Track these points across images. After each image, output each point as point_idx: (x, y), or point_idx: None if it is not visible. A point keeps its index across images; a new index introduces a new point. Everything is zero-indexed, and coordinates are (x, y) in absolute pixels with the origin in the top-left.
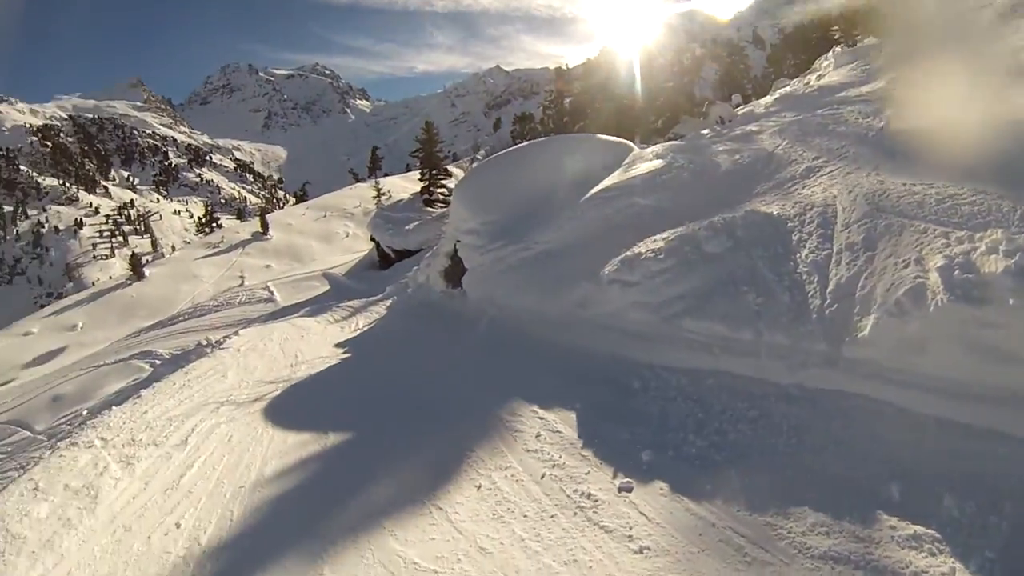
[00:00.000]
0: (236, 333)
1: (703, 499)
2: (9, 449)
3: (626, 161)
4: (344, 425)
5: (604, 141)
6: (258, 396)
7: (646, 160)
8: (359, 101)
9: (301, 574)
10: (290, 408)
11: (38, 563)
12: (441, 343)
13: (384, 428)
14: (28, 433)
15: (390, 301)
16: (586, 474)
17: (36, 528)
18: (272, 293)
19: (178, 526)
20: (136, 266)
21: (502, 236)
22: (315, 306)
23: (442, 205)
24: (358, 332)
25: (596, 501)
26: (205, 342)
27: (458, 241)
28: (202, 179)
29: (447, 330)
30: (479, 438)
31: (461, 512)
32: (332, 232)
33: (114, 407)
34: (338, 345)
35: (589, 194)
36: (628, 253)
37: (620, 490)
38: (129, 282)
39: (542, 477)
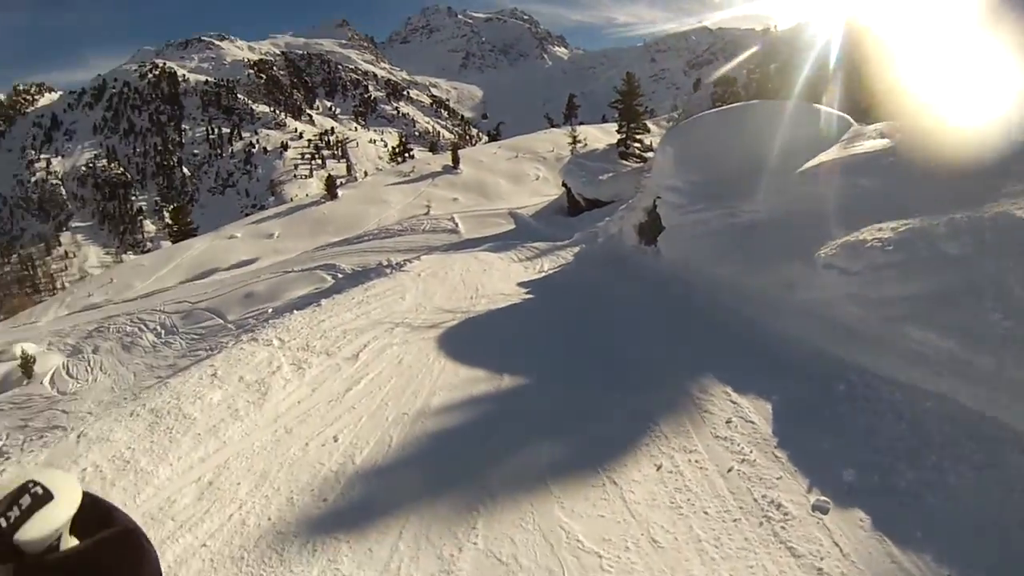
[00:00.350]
0: (418, 258)
1: (910, 548)
2: (203, 332)
3: (845, 136)
4: (519, 369)
5: (822, 112)
6: (434, 323)
7: (869, 138)
8: (557, 48)
9: (452, 520)
10: (466, 341)
11: (201, 446)
12: (629, 299)
13: (562, 380)
14: (220, 321)
15: (578, 248)
16: (778, 479)
17: (206, 412)
18: (456, 224)
19: (335, 440)
20: (330, 187)
21: (706, 198)
22: (499, 243)
23: (637, 160)
24: (542, 274)
25: (786, 515)
26: (386, 263)
27: (658, 197)
28: (398, 112)
29: (636, 287)
30: (664, 411)
31: (637, 492)
32: (522, 173)
33: (295, 311)
34: (521, 284)
35: (804, 167)
36: (850, 238)
37: (814, 508)
38: (323, 200)
39: (729, 471)
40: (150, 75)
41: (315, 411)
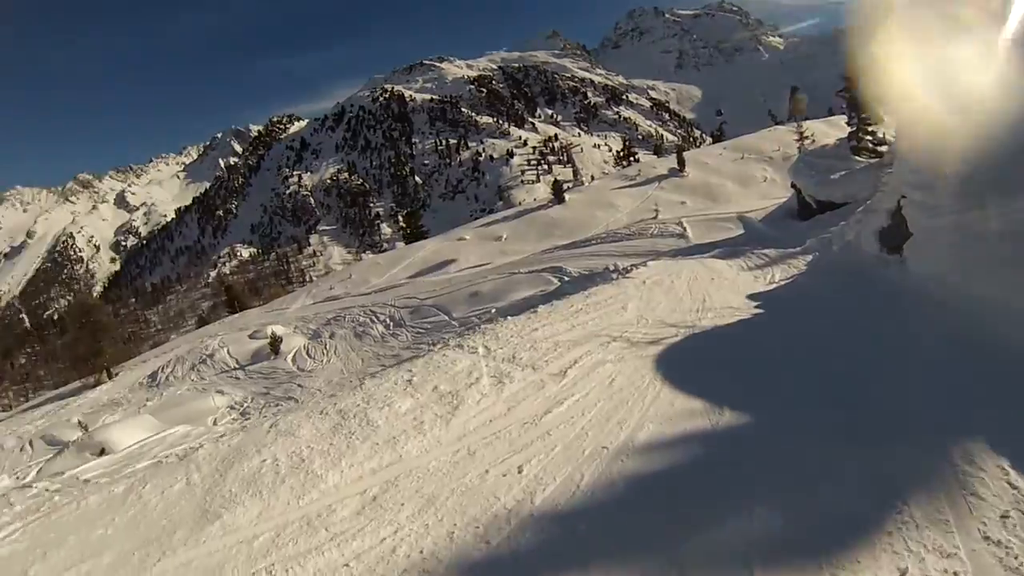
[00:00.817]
0: (644, 264)
1: None
2: (428, 327)
3: None
4: (742, 403)
5: None
6: (655, 338)
7: None
8: (771, 37)
9: None
10: (687, 362)
11: (376, 456)
12: (871, 321)
13: (791, 422)
14: (446, 318)
15: (810, 256)
16: None
17: (391, 421)
18: (684, 229)
19: (520, 470)
20: (557, 191)
21: (969, 195)
22: (727, 248)
23: (871, 154)
24: (773, 286)
25: None
26: (612, 267)
27: (903, 197)
28: (619, 116)
29: (879, 306)
30: (914, 482)
31: None
32: (749, 175)
33: (509, 316)
34: (750, 297)
35: None
36: None
37: None
38: (550, 204)
39: None
40: (381, 98)
41: (505, 433)
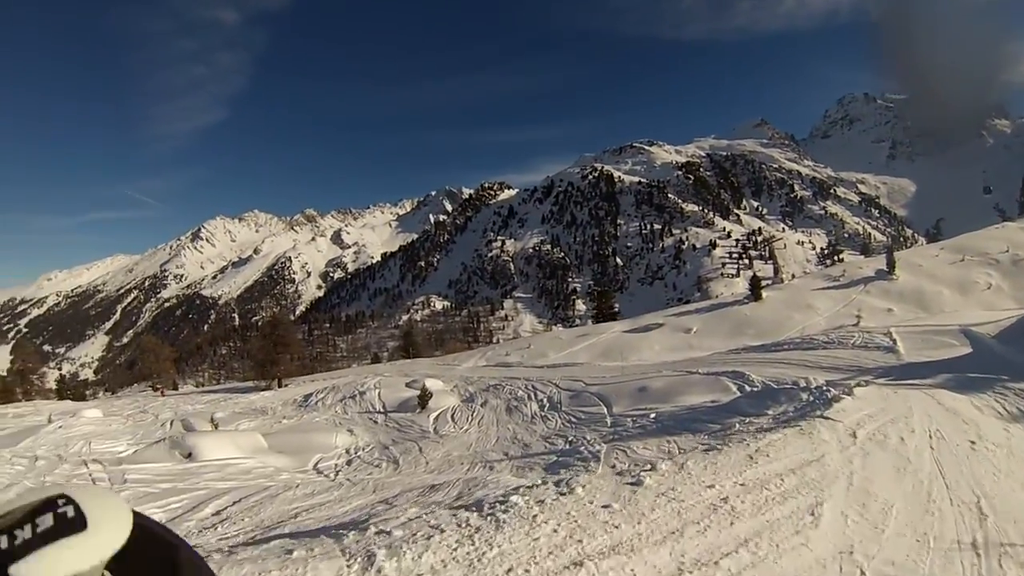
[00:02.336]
0: (849, 392)
1: None
2: (582, 417)
3: None
4: None
5: None
6: None
7: None
8: (997, 120)
9: None
10: None
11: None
12: None
13: None
14: (603, 411)
15: None
16: None
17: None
18: (894, 342)
19: None
20: (756, 287)
21: None
22: (957, 376)
23: None
24: None
25: None
26: (803, 383)
27: None
28: (826, 212)
29: None
30: None
31: None
32: (969, 280)
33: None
34: None
35: None
36: None
37: None
38: (746, 301)
39: None
40: (590, 176)
41: None
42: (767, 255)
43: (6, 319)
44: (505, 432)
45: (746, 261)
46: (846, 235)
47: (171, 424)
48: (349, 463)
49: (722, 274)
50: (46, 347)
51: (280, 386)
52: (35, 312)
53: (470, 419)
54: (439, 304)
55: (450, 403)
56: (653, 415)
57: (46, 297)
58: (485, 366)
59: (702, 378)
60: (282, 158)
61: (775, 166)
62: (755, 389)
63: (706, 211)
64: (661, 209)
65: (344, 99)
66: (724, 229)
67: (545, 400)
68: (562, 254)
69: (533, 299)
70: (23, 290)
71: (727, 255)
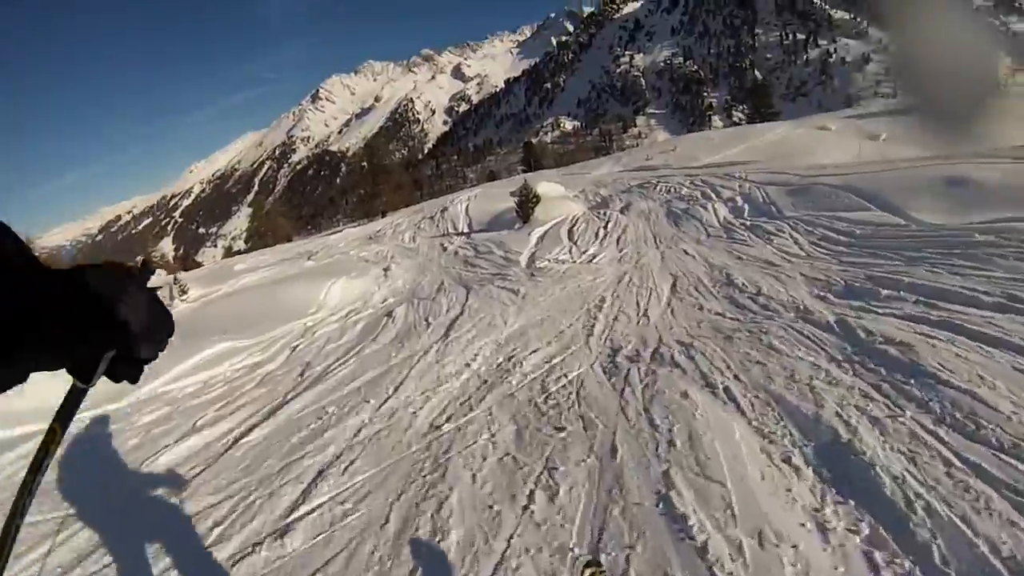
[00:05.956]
0: None
1: None
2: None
3: None
4: None
5: None
6: None
7: None
8: None
9: None
10: None
11: None
12: None
13: None
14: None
15: None
16: None
17: None
18: None
19: None
20: None
21: None
22: None
23: None
24: None
25: None
26: None
27: None
28: (1008, 29)
29: None
30: None
31: None
32: None
33: None
34: None
35: None
36: None
37: None
38: None
39: None
40: None
41: None
42: None
43: (163, 215)
44: (676, 251)
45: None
46: None
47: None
48: (320, 350)
49: (876, 93)
50: (200, 230)
51: (383, 217)
52: (185, 203)
53: (602, 236)
54: (568, 125)
55: (569, 212)
56: None
57: (191, 188)
58: (621, 171)
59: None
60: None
61: None
62: None
63: (859, 19)
64: (805, 16)
65: None
66: (881, 41)
67: (740, 199)
68: (695, 67)
69: (667, 115)
70: (170, 187)
71: (883, 72)
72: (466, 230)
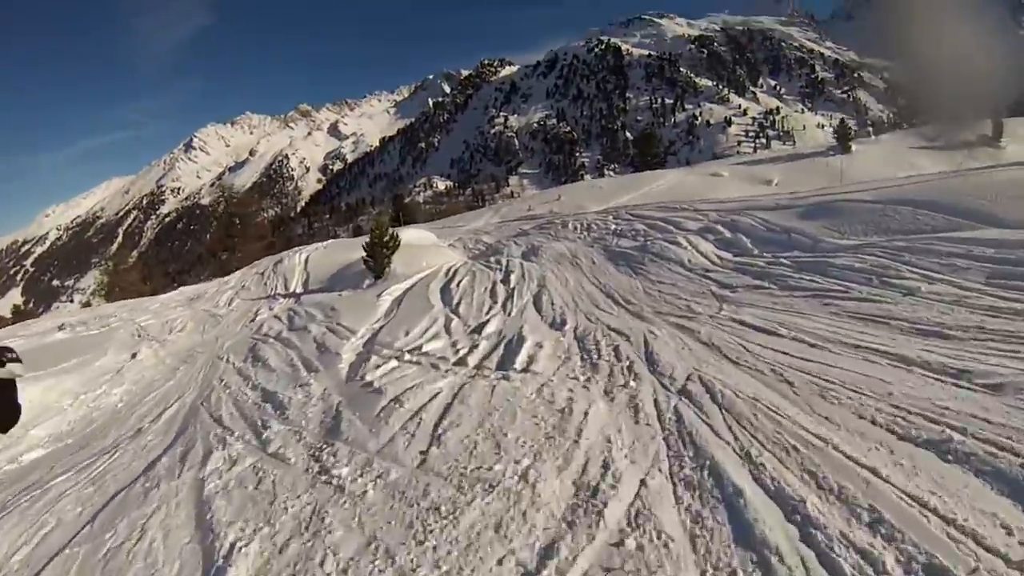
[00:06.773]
0: None
1: None
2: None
3: None
4: None
5: None
6: None
7: None
8: None
9: None
10: None
11: None
12: None
13: None
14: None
15: None
16: None
17: None
18: None
19: None
20: (844, 137)
21: None
22: None
23: None
24: None
25: None
26: None
27: None
28: (849, 96)
29: None
30: None
31: None
32: None
33: None
34: None
35: None
36: None
37: None
38: (831, 153)
39: None
40: (596, 49)
41: None
42: (783, 136)
43: (12, 263)
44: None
45: (763, 140)
46: (868, 123)
47: None
48: None
49: (738, 152)
50: (54, 282)
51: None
52: (39, 250)
53: (503, 296)
54: (441, 184)
55: (443, 262)
56: None
57: (47, 234)
58: (501, 222)
59: None
60: (272, 55)
61: (795, 44)
62: None
63: (721, 87)
64: (673, 83)
65: None
66: (740, 106)
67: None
68: (568, 128)
69: (540, 174)
70: (24, 231)
71: (743, 133)
72: (299, 290)
